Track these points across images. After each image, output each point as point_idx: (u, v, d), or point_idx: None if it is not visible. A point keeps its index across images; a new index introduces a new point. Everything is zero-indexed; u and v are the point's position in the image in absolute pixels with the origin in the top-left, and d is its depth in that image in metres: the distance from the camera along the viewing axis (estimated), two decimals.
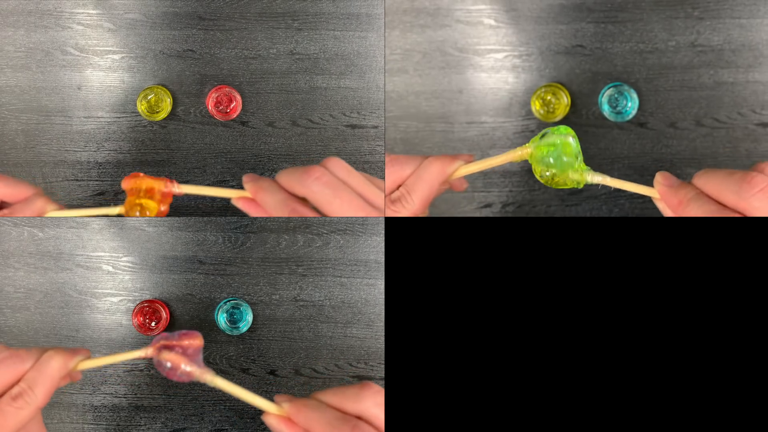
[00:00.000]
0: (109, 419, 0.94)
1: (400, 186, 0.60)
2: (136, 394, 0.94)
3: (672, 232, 0.81)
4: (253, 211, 0.59)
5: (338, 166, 0.57)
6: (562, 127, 0.61)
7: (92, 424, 0.94)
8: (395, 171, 0.59)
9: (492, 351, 0.82)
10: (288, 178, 0.58)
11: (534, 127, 0.93)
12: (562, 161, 0.59)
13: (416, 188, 0.59)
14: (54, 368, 0.57)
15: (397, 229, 0.83)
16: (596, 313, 0.81)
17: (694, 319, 0.81)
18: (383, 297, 0.94)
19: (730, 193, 0.52)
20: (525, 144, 0.61)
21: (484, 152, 0.93)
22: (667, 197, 0.57)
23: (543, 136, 0.60)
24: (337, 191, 0.56)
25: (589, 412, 0.81)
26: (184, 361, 0.59)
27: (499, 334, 0.82)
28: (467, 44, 0.92)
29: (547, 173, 0.60)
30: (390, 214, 0.59)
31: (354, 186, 0.57)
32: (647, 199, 0.94)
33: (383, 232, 0.93)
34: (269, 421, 0.56)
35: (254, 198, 0.59)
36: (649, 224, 0.80)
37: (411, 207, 0.59)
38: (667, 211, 0.57)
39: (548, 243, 0.81)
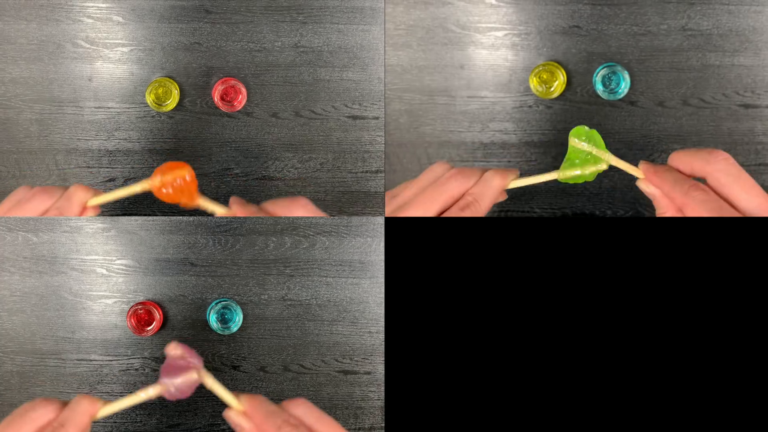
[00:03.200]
0: (105, 417, 0.94)
1: (464, 194, 0.65)
2: (131, 392, 0.93)
3: (671, 232, 0.81)
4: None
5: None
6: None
7: None
8: (462, 183, 0.64)
9: (491, 349, 0.82)
10: (275, 205, 0.66)
11: (531, 103, 0.95)
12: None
13: (485, 195, 0.64)
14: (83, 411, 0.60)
15: (397, 228, 0.84)
16: (594, 312, 0.81)
17: (693, 319, 0.81)
18: (367, 295, 0.96)
19: (700, 161, 0.60)
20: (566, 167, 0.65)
21: (484, 125, 0.95)
22: (647, 172, 0.64)
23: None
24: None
25: (588, 410, 0.81)
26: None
27: (497, 331, 0.82)
28: (469, 22, 0.95)
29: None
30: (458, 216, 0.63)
31: None
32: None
33: (367, 233, 0.96)
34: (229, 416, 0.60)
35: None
36: (649, 224, 0.81)
37: (479, 212, 0.63)
38: (649, 189, 0.63)
39: (548, 242, 0.82)
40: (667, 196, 0.61)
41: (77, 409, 0.60)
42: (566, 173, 0.65)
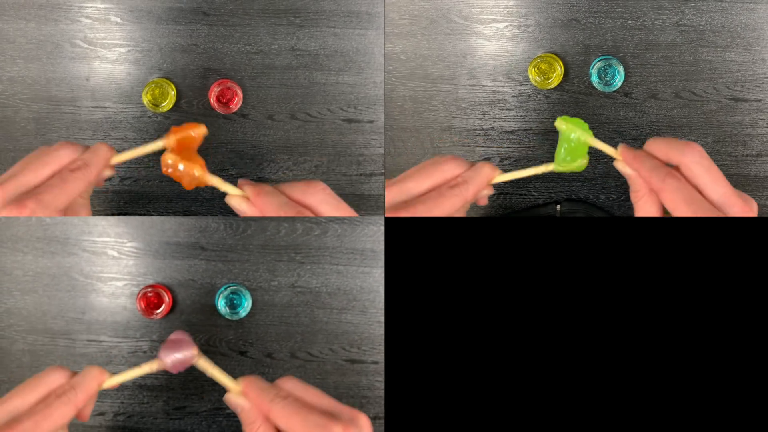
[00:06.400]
0: (113, 397, 0.97)
1: (456, 177, 0.69)
2: None
3: (669, 232, 0.82)
4: (248, 212, 0.66)
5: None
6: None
7: (97, 402, 0.93)
8: (456, 167, 0.68)
9: (491, 342, 0.83)
10: (292, 189, 0.66)
11: (530, 92, 0.98)
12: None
13: (473, 180, 0.68)
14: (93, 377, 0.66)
15: (396, 225, 0.85)
16: (587, 303, 0.83)
17: (690, 319, 0.82)
18: (378, 284, 0.97)
19: (676, 151, 0.65)
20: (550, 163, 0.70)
21: (485, 112, 0.98)
22: (625, 155, 0.68)
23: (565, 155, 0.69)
24: (339, 204, 0.66)
25: (585, 400, 0.83)
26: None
27: (496, 325, 0.83)
28: (471, 13, 0.97)
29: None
30: (449, 197, 0.67)
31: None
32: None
33: (381, 221, 0.96)
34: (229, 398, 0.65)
35: (253, 200, 0.66)
36: (647, 224, 0.82)
37: (465, 194, 0.67)
38: (626, 170, 0.68)
39: (545, 240, 0.83)
40: (644, 179, 0.66)
41: (87, 376, 0.65)
42: (557, 166, 0.69)
